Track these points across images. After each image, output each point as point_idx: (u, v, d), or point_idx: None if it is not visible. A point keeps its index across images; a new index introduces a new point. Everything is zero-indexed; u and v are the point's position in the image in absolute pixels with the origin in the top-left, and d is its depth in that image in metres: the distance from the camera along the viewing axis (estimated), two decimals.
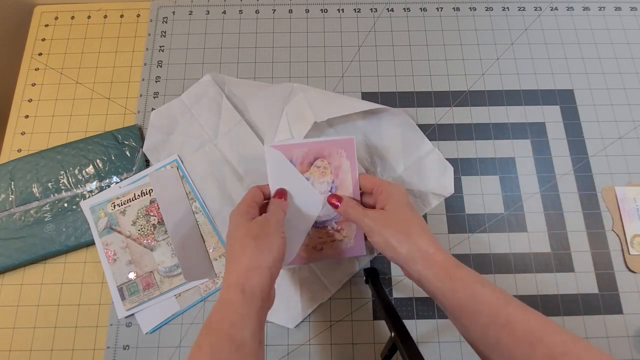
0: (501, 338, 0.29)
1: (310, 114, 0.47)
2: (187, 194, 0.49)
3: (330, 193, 0.42)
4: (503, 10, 0.59)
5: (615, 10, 0.59)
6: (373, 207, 0.40)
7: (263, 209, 0.41)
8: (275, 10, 0.59)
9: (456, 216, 0.50)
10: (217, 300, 0.34)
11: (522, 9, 0.59)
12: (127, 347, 0.46)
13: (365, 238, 0.41)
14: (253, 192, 0.41)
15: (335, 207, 0.41)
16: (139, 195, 0.49)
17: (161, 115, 0.53)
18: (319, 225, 0.43)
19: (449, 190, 0.50)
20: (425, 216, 0.50)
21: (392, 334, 0.37)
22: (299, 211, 0.42)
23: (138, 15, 0.60)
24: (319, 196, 0.42)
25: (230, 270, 0.35)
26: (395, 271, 0.48)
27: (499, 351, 0.30)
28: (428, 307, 0.47)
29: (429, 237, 0.35)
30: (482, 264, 0.48)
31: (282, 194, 0.41)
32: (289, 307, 0.46)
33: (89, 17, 0.59)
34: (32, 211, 0.49)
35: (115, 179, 0.50)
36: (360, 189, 0.43)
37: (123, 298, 0.46)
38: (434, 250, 0.34)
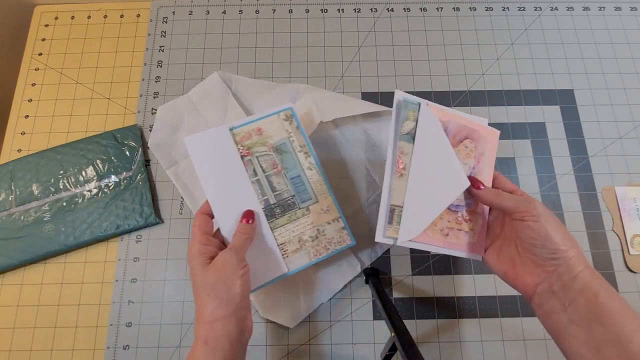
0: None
1: (316, 114, 0.47)
2: (301, 146, 0.42)
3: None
4: (503, 10, 0.59)
5: (615, 10, 0.59)
6: None
7: (219, 235, 0.39)
8: (275, 10, 0.59)
9: None
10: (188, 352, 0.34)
11: (522, 9, 0.59)
12: (127, 347, 0.46)
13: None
14: (199, 223, 0.38)
15: (479, 188, 0.38)
16: None
17: (167, 111, 0.53)
18: (451, 209, 0.40)
19: None
20: None
21: (392, 334, 0.37)
22: (440, 186, 0.38)
23: (138, 15, 0.60)
24: (464, 176, 0.38)
25: (196, 321, 0.35)
26: (395, 271, 0.48)
27: None
28: (428, 307, 0.47)
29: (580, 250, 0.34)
30: (482, 263, 0.48)
31: (249, 216, 0.39)
32: (289, 307, 0.46)
33: (89, 17, 0.59)
34: (31, 211, 0.49)
35: (114, 178, 0.51)
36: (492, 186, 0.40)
37: (390, 222, 0.37)
38: (586, 263, 0.33)
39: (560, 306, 0.33)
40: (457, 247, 0.39)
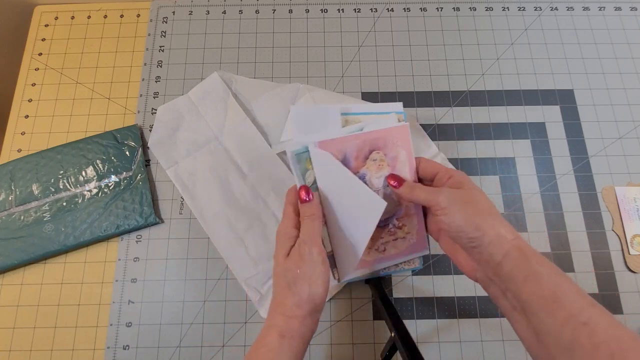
0: (578, 338, 0.26)
1: None
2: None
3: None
4: (503, 10, 0.59)
5: (615, 10, 0.59)
6: None
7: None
8: (275, 10, 0.59)
9: None
10: (258, 336, 0.34)
11: (522, 9, 0.59)
12: (127, 347, 0.46)
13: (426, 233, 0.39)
14: (293, 200, 0.36)
15: (395, 187, 0.36)
16: None
17: (167, 111, 0.53)
18: (380, 225, 0.39)
19: None
20: None
21: (392, 334, 0.37)
22: (357, 218, 0.37)
23: (138, 15, 0.60)
24: (379, 199, 0.36)
25: (274, 307, 0.34)
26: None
27: (572, 353, 0.26)
28: (428, 307, 0.47)
29: (508, 223, 0.32)
30: None
31: (307, 191, 0.36)
32: None
33: (89, 17, 0.59)
34: (31, 211, 0.49)
35: (114, 178, 0.51)
36: (418, 176, 0.38)
37: (333, 266, 0.40)
38: (514, 237, 0.31)
39: (499, 292, 0.31)
40: (397, 256, 0.40)
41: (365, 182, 0.37)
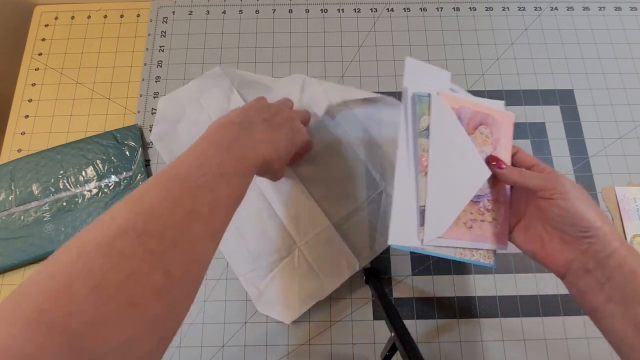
0: None
1: (324, 97, 0.48)
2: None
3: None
4: (503, 10, 0.59)
5: (615, 10, 0.59)
6: None
7: None
8: (275, 10, 0.59)
9: None
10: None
11: (522, 9, 0.59)
12: None
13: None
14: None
15: (498, 168, 0.36)
16: None
17: (169, 102, 0.53)
18: (473, 200, 0.38)
19: None
20: None
21: (392, 334, 0.37)
22: (459, 178, 0.37)
23: (138, 15, 0.60)
24: (486, 167, 0.37)
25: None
26: (395, 271, 0.48)
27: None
28: (428, 307, 0.47)
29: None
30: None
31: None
32: (285, 302, 0.46)
33: (89, 17, 0.59)
34: (31, 211, 0.49)
35: (114, 178, 0.51)
36: (512, 165, 0.38)
37: (421, 224, 0.36)
38: (621, 240, 0.32)
39: (596, 284, 0.31)
40: (482, 238, 0.38)
41: None
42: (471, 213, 0.38)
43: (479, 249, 0.38)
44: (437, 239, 0.36)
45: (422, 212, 0.36)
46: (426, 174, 0.36)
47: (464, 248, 0.38)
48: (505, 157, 0.38)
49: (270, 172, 0.38)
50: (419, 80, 0.38)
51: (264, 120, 0.36)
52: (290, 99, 0.47)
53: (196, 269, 0.26)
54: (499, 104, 0.40)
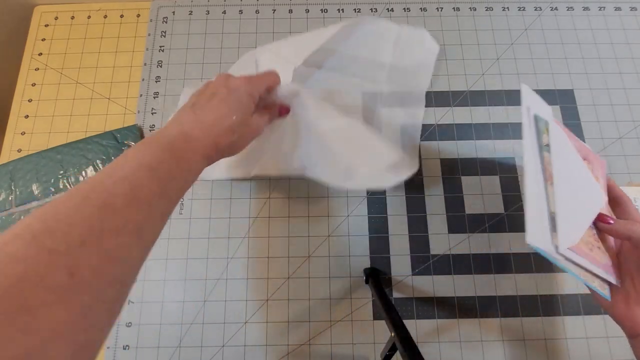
0: None
1: (285, 65, 0.45)
2: None
3: None
4: (503, 10, 0.59)
5: (615, 10, 0.59)
6: None
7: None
8: (275, 10, 0.59)
9: (456, 216, 0.50)
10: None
11: (522, 9, 0.59)
12: (127, 347, 0.46)
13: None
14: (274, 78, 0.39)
15: (608, 223, 0.36)
16: None
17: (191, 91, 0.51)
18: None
19: (435, 50, 0.54)
20: (423, 202, 0.50)
21: (392, 334, 0.37)
22: (581, 195, 0.38)
23: (138, 15, 0.60)
24: (600, 192, 0.38)
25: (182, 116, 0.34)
26: (395, 271, 0.48)
27: None
28: (428, 307, 0.47)
29: None
30: (482, 264, 0.48)
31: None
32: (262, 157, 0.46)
33: (89, 17, 0.59)
34: (31, 211, 0.49)
35: None
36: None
37: (553, 230, 0.35)
38: None
39: None
40: (599, 265, 0.37)
41: None
42: (588, 237, 0.37)
43: (598, 275, 0.37)
44: (568, 251, 0.35)
45: (552, 219, 0.36)
46: (552, 183, 0.36)
47: (587, 270, 0.37)
48: (605, 200, 0.39)
49: (225, 151, 0.35)
50: (533, 105, 0.39)
51: (192, 104, 0.34)
52: (271, 73, 0.41)
53: (114, 268, 0.22)
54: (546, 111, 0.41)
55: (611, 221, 0.36)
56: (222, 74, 0.37)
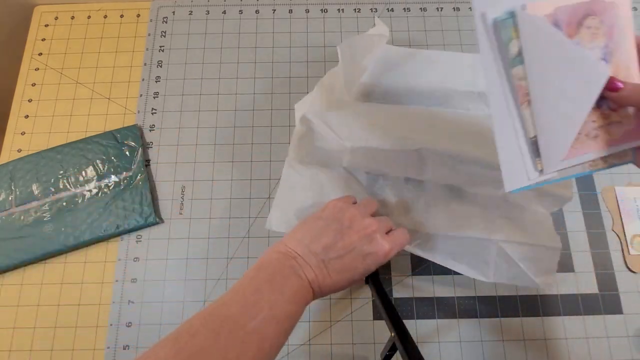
0: None
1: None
2: None
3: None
4: None
5: None
6: None
7: None
8: (275, 10, 0.59)
9: None
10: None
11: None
12: (127, 347, 0.46)
13: None
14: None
15: (616, 89, 0.30)
16: None
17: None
18: (593, 106, 0.32)
19: None
20: None
21: (392, 334, 0.37)
22: (572, 91, 0.31)
23: (138, 15, 0.60)
24: (602, 64, 0.31)
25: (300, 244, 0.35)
26: (396, 271, 0.48)
27: None
28: (428, 307, 0.47)
29: None
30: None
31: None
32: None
33: (89, 17, 0.59)
34: (31, 211, 0.49)
35: (114, 178, 0.51)
36: None
37: (536, 155, 0.32)
38: None
39: None
40: (613, 142, 0.33)
41: None
42: (593, 121, 0.32)
43: (612, 154, 0.33)
44: (560, 163, 0.32)
45: (534, 144, 0.31)
46: (529, 103, 0.31)
47: (593, 160, 0.33)
48: (627, 49, 0.31)
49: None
50: (491, 6, 0.32)
51: (324, 247, 0.34)
52: (374, 202, 0.41)
53: None
54: None
55: (620, 85, 0.30)
56: (373, 220, 0.37)
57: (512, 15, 0.31)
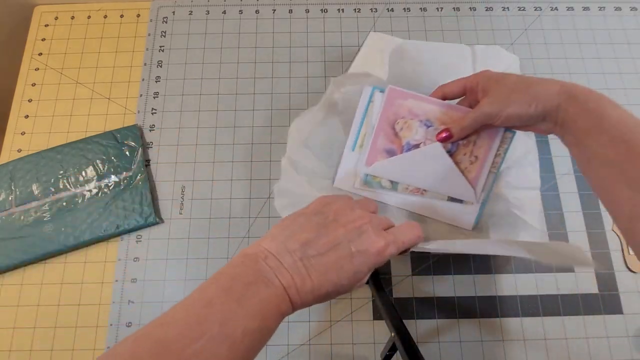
0: (619, 153, 0.29)
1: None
2: None
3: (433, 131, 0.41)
4: (503, 10, 0.59)
5: (615, 10, 0.59)
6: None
7: None
8: (275, 10, 0.59)
9: None
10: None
11: (522, 9, 0.59)
12: None
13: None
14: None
15: (449, 137, 0.38)
16: None
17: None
18: (452, 151, 0.43)
19: (515, 60, 0.54)
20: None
21: (392, 334, 0.37)
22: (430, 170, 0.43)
23: (138, 15, 0.60)
24: (435, 146, 0.42)
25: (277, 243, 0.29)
26: (395, 271, 0.48)
27: (613, 167, 0.29)
28: (428, 307, 0.47)
29: (548, 79, 0.35)
30: (483, 263, 0.48)
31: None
32: None
33: (89, 17, 0.59)
34: (31, 211, 0.49)
35: (114, 178, 0.51)
36: (449, 99, 0.42)
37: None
38: (557, 91, 0.34)
39: (560, 135, 0.35)
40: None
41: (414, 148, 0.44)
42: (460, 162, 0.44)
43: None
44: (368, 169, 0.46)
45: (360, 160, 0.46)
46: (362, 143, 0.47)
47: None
48: (433, 105, 0.43)
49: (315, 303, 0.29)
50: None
51: (303, 243, 0.28)
52: (373, 203, 0.35)
53: None
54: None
55: (448, 133, 0.38)
56: (365, 212, 0.31)
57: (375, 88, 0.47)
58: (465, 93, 0.40)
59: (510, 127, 0.37)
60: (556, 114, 0.34)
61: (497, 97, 0.35)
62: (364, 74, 0.48)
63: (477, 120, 0.37)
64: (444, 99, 0.42)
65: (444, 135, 0.37)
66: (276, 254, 0.27)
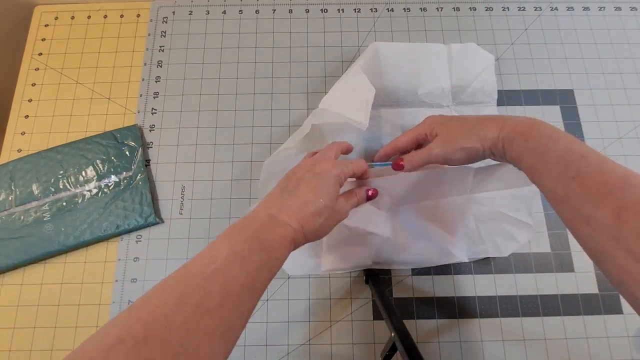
0: (570, 191, 0.29)
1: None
2: None
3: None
4: (503, 10, 0.59)
5: (615, 10, 0.59)
6: None
7: None
8: (275, 10, 0.59)
9: None
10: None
11: (522, 9, 0.59)
12: None
13: None
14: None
15: (401, 167, 0.39)
16: None
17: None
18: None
19: (490, 59, 0.52)
20: None
21: (392, 334, 0.37)
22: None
23: (138, 15, 0.60)
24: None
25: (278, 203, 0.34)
26: (395, 271, 0.48)
27: (568, 205, 0.29)
28: (428, 307, 0.47)
29: (488, 120, 0.36)
30: (483, 263, 0.48)
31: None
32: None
33: (89, 17, 0.59)
34: (31, 211, 0.49)
35: (114, 178, 0.51)
36: (403, 149, 0.42)
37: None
38: (496, 133, 0.35)
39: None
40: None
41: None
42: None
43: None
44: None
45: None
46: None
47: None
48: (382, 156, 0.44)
49: (311, 236, 0.34)
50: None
51: (281, 190, 0.35)
52: (342, 142, 0.40)
53: None
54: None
55: (402, 163, 0.39)
56: (309, 158, 0.37)
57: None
58: (418, 142, 0.41)
59: (467, 164, 0.38)
60: (502, 153, 0.34)
61: (444, 139, 0.37)
62: (344, 121, 0.44)
63: (426, 159, 0.38)
64: (399, 153, 0.43)
65: (400, 163, 0.39)
66: (263, 204, 0.34)
